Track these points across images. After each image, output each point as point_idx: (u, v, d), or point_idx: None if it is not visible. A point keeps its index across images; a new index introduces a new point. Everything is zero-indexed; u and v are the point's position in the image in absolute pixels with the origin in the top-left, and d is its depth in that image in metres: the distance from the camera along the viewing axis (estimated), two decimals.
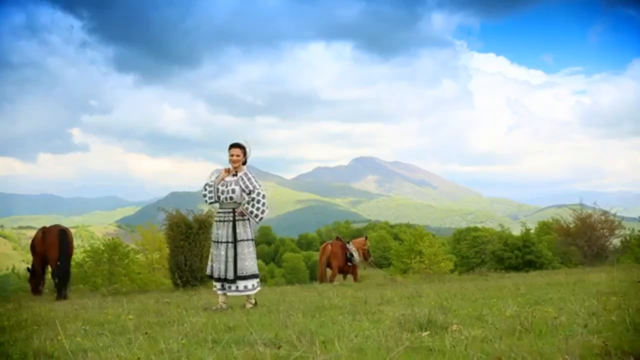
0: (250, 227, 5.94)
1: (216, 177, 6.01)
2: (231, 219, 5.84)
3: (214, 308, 5.79)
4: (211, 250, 6.05)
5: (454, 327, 3.49)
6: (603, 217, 15.88)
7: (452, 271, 21.78)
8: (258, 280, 6.00)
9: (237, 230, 5.82)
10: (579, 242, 16.11)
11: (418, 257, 21.06)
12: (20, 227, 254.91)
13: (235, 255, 5.79)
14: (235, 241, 5.80)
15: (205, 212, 12.99)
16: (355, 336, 3.36)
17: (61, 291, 9.37)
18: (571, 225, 16.53)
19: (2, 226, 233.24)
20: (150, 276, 20.45)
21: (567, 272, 11.78)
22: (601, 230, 15.70)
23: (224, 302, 5.87)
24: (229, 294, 5.87)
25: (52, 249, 9.58)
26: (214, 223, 6.04)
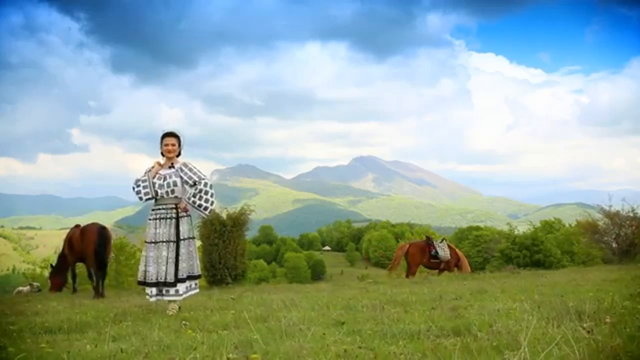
0: (192, 224, 5.44)
1: (148, 172, 5.34)
2: (174, 215, 5.24)
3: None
4: (143, 253, 5.34)
5: (608, 319, 3.10)
6: (632, 214, 15.48)
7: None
8: (196, 282, 5.40)
9: (181, 229, 5.24)
10: (607, 239, 15.81)
11: None
12: (21, 228, 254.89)
13: (177, 255, 5.18)
14: (177, 240, 5.21)
15: (238, 209, 12.82)
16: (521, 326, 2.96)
17: (99, 289, 9.16)
18: (600, 223, 16.13)
19: (2, 226, 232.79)
20: None
21: (602, 269, 11.38)
22: (630, 228, 15.30)
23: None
24: (166, 298, 5.18)
25: (91, 247, 9.34)
26: (150, 221, 5.31)
